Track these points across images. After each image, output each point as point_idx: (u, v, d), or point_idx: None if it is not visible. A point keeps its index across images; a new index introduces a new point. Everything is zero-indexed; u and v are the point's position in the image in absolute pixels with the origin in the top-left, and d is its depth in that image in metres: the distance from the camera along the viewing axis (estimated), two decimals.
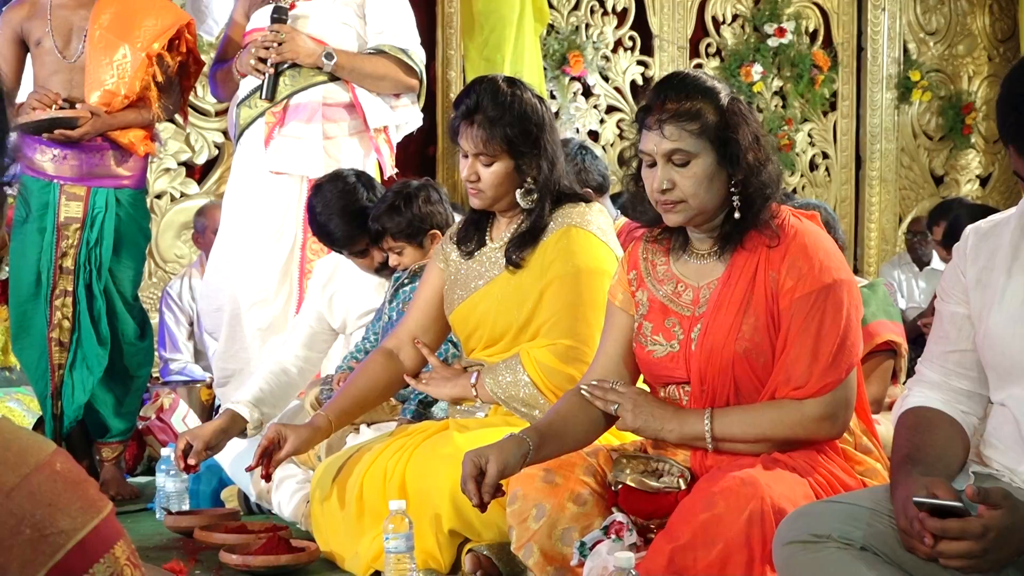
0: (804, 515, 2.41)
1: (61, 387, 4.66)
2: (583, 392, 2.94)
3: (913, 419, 2.43)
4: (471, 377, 3.50)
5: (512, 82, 3.47)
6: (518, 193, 3.44)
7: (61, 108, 4.52)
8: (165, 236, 6.97)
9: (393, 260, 4.07)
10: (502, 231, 3.53)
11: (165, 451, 4.31)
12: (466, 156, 3.43)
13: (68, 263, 4.65)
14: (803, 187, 8.64)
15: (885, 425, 3.30)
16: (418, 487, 3.31)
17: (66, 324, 4.65)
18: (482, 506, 2.78)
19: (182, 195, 7.06)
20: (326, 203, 4.25)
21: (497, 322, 3.48)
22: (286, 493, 4.05)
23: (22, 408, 5.32)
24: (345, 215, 4.19)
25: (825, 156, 8.73)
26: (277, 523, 3.86)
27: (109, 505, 1.08)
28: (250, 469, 3.61)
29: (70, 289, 4.64)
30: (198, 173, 7.13)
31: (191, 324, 6.54)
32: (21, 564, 1.00)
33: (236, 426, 3.93)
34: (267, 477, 3.52)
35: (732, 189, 2.79)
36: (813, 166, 8.70)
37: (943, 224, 6.75)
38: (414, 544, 3.15)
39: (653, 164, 2.80)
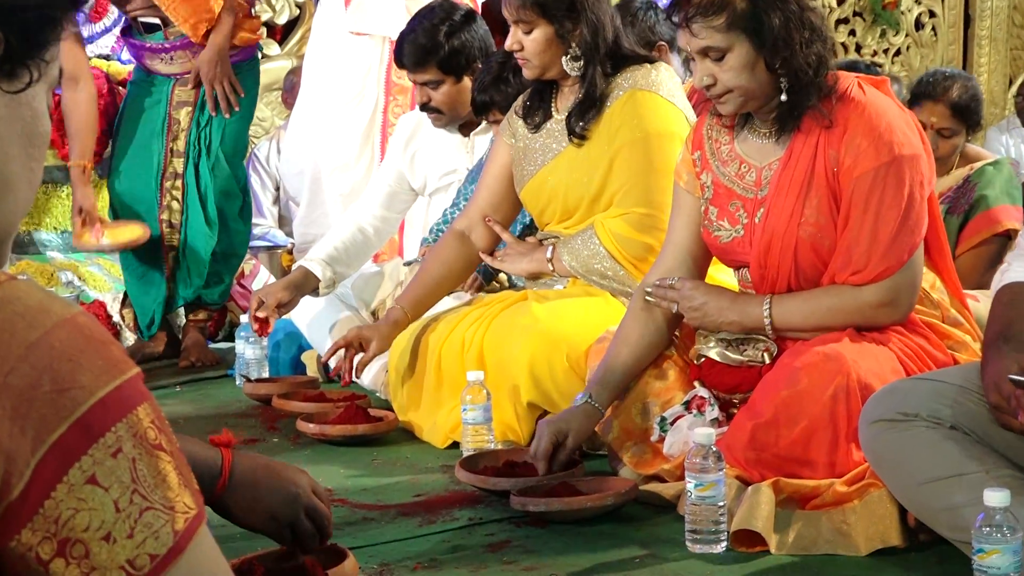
0: (892, 392, 2.41)
1: (176, 270, 4.75)
2: (648, 297, 2.92)
3: (1010, 295, 2.37)
4: (546, 251, 3.50)
5: None
6: (564, 60, 3.40)
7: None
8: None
9: (495, 131, 4.00)
10: (567, 101, 3.49)
11: (245, 317, 4.35)
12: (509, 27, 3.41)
13: (180, 146, 4.70)
14: (907, 47, 8.41)
15: (984, 302, 3.23)
16: (496, 358, 3.32)
17: (175, 206, 4.72)
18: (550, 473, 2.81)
19: (264, 56, 7.01)
20: (415, 23, 4.16)
21: (568, 195, 3.46)
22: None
23: (103, 272, 5.38)
24: (416, 45, 4.08)
25: (931, 15, 8.47)
26: (356, 392, 3.88)
27: (135, 369, 1.06)
28: (332, 374, 3.67)
29: (180, 172, 4.70)
30: (279, 34, 7.10)
31: (277, 189, 6.54)
32: (40, 419, 1.00)
33: (308, 283, 3.97)
34: (348, 384, 3.59)
35: (779, 70, 2.71)
36: (919, 25, 8.45)
37: None
38: (492, 416, 3.17)
39: (694, 58, 2.75)
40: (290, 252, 5.89)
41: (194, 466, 1.71)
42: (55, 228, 5.33)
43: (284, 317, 4.11)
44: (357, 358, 3.56)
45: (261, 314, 3.81)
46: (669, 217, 3.05)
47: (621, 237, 3.35)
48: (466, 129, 4.26)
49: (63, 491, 1.00)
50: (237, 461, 1.93)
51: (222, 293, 4.88)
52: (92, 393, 1.02)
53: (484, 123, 4.12)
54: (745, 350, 2.82)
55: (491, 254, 3.63)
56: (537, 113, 3.54)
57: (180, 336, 4.93)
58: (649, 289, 2.93)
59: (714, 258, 2.99)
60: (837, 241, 2.73)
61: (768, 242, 2.77)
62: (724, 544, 2.43)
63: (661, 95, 3.38)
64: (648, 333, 2.93)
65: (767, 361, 2.79)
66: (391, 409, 3.62)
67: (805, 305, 2.76)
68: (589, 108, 3.40)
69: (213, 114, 4.63)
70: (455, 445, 3.34)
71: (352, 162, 5.00)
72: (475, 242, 3.64)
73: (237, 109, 4.64)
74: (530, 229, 3.78)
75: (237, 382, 4.33)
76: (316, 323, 4.12)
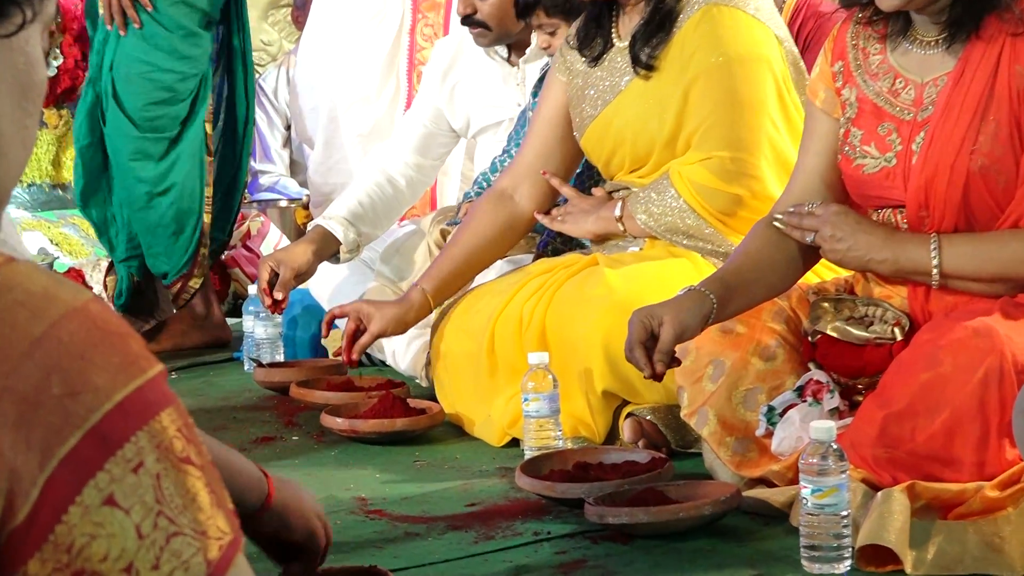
0: None
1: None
2: (776, 224, 2.91)
3: None
4: (615, 208, 3.51)
5: None
6: None
7: None
8: (249, 15, 6.94)
9: (542, 41, 4.01)
10: (630, 25, 3.50)
11: (254, 289, 4.37)
12: None
13: None
14: None
15: None
16: (562, 337, 3.34)
17: None
18: (655, 377, 2.79)
19: None
20: None
21: (638, 139, 3.48)
22: (402, 341, 4.09)
23: (79, 235, 5.43)
24: None
25: None
26: (392, 378, 3.92)
27: (158, 367, 1.07)
28: (337, 354, 3.72)
29: None
30: None
31: (288, 128, 6.55)
32: (48, 428, 1.01)
33: (328, 248, 4.01)
34: (351, 363, 3.63)
35: None
36: None
37: None
38: (560, 407, 3.18)
39: None
40: (306, 207, 5.93)
41: (236, 477, 1.72)
42: (21, 180, 5.35)
43: (301, 287, 4.14)
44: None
45: (279, 293, 3.85)
46: (760, 158, 3.03)
47: (703, 188, 3.37)
48: (514, 56, 4.26)
49: (77, 514, 1.01)
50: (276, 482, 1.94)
51: (178, 264, 4.85)
52: (108, 396, 1.03)
53: (534, 47, 4.12)
54: (871, 324, 2.82)
55: (547, 213, 3.65)
56: (595, 42, 3.55)
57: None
58: (779, 216, 2.91)
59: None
60: (1014, 178, 2.71)
61: (931, 175, 2.75)
62: (848, 563, 2.43)
63: (744, 10, 3.39)
64: (775, 254, 2.91)
65: (899, 338, 2.79)
66: (435, 400, 3.65)
67: (983, 248, 2.73)
68: (656, 31, 3.41)
69: (108, 27, 4.59)
70: (515, 443, 3.37)
71: (373, 95, 5.01)
72: (522, 202, 3.66)
73: (138, 25, 4.54)
74: (583, 184, 3.79)
75: (246, 367, 4.38)
76: (340, 295, 4.16)
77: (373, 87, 4.99)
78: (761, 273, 2.89)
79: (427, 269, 3.70)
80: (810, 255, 2.93)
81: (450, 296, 3.66)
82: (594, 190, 3.65)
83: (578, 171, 3.80)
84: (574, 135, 3.63)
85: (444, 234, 4.06)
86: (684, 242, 3.41)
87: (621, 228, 3.51)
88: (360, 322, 3.59)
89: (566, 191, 3.63)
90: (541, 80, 3.99)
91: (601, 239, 3.59)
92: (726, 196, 3.36)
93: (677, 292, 2.84)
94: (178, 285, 4.86)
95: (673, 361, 2.79)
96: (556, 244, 3.89)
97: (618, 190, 3.57)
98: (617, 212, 3.50)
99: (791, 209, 2.90)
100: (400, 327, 3.63)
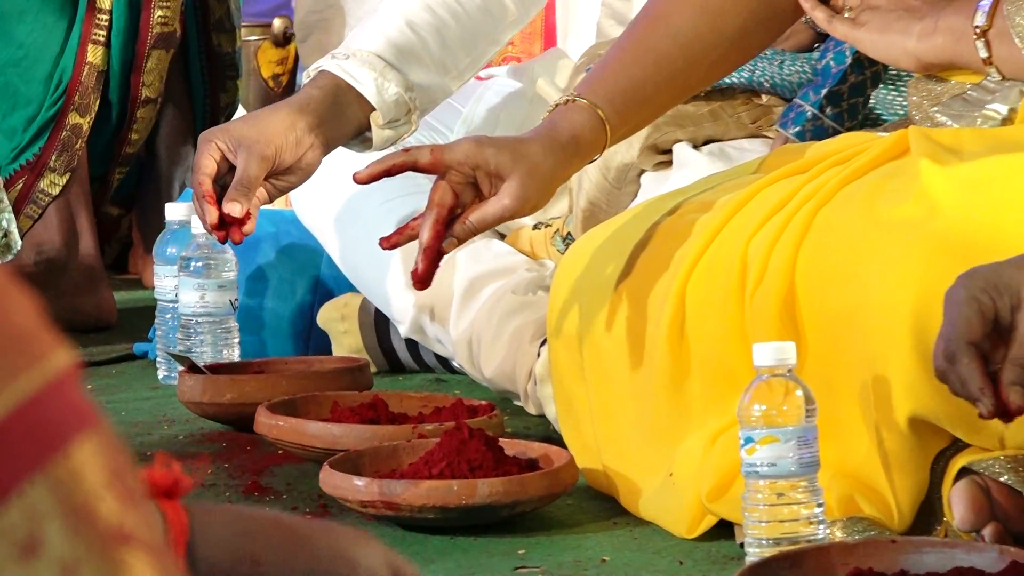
0: None
1: None
2: None
3: None
4: (973, 12, 3.50)
5: None
6: None
7: None
8: None
9: None
10: None
11: (177, 210, 4.44)
12: None
13: None
14: None
15: None
16: (828, 309, 3.32)
17: None
18: (1007, 414, 2.80)
19: None
20: None
21: None
22: (488, 325, 4.18)
23: None
24: None
25: None
26: (464, 397, 3.95)
27: (62, 356, 1.16)
28: (389, 245, 3.65)
29: None
30: None
31: None
32: None
33: (345, 117, 4.05)
34: (423, 280, 3.55)
35: None
36: None
37: None
38: (819, 455, 3.13)
39: None
40: (284, 40, 6.12)
41: None
42: None
43: (268, 207, 4.22)
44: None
45: (233, 205, 3.76)
46: None
47: None
48: None
49: None
50: (198, 523, 1.96)
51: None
52: None
53: None
54: None
55: (826, 3, 3.66)
56: None
57: None
58: None
59: None
60: None
61: None
62: None
63: None
64: None
65: None
66: (559, 442, 3.67)
67: None
68: None
69: None
70: (724, 529, 3.36)
71: None
72: None
73: None
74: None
75: (161, 374, 4.48)
76: (360, 224, 4.27)
77: None
78: None
79: (593, 71, 3.70)
80: None
81: (641, 125, 3.73)
82: None
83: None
84: None
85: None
86: None
87: (982, 55, 3.50)
88: (477, 187, 3.54)
89: None
90: None
91: (932, 71, 3.61)
92: None
93: None
94: (19, 183, 5.22)
95: None
96: (825, 120, 3.91)
97: None
98: (980, 20, 3.50)
99: None
100: (548, 191, 3.59)
